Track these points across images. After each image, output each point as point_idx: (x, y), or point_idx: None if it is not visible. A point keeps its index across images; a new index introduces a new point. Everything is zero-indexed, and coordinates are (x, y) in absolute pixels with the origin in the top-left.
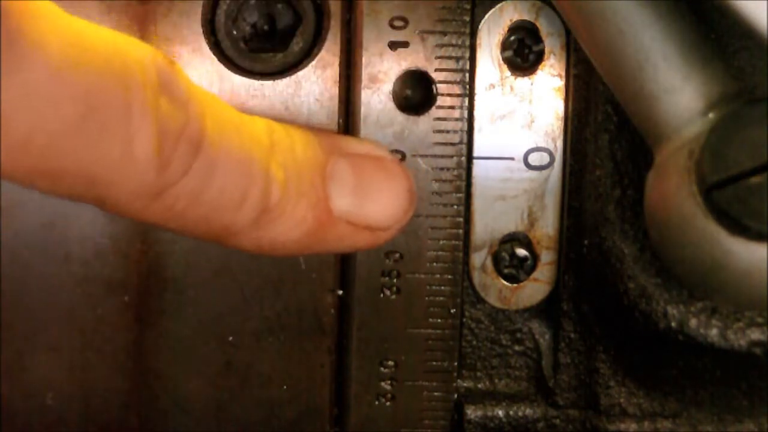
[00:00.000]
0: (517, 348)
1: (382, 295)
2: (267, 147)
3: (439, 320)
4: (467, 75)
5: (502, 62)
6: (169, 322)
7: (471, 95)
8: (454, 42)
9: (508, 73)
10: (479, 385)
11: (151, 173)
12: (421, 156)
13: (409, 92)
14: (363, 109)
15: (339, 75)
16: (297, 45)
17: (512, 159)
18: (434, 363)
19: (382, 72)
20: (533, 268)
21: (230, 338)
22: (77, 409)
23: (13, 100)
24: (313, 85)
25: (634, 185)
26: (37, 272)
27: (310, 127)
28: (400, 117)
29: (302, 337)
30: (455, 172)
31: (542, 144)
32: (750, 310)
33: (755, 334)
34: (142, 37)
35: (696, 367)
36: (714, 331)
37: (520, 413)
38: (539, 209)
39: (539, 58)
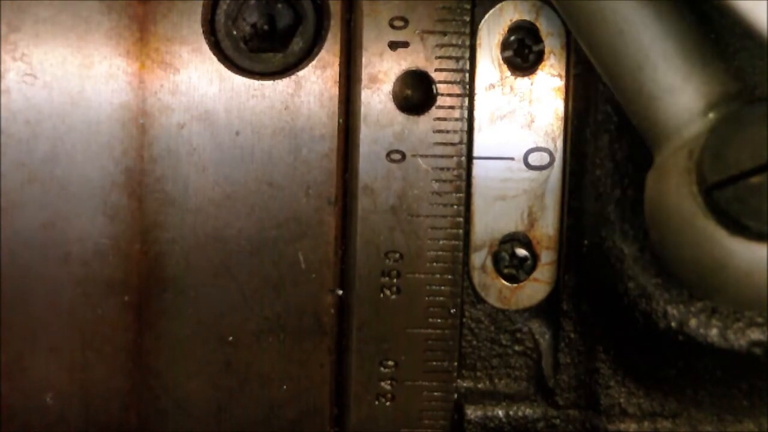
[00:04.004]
0: (517, 348)
1: (382, 295)
2: None
3: (439, 320)
4: (467, 75)
5: (502, 62)
6: (169, 322)
7: (471, 95)
8: (454, 42)
9: (508, 73)
10: (479, 385)
11: None
12: (421, 156)
13: (409, 92)
14: (363, 109)
15: (339, 75)
16: (297, 45)
17: (512, 159)
18: (434, 363)
19: (382, 72)
20: (533, 268)
21: (230, 338)
22: (77, 409)
23: None
24: (313, 85)
25: (634, 185)
26: (37, 272)
27: None
28: (400, 117)
29: (302, 337)
30: (455, 172)
31: (542, 144)
32: (750, 310)
33: (755, 334)
34: (142, 38)
35: (696, 367)
36: (714, 331)
37: (520, 413)
38: (539, 209)
39: (539, 58)
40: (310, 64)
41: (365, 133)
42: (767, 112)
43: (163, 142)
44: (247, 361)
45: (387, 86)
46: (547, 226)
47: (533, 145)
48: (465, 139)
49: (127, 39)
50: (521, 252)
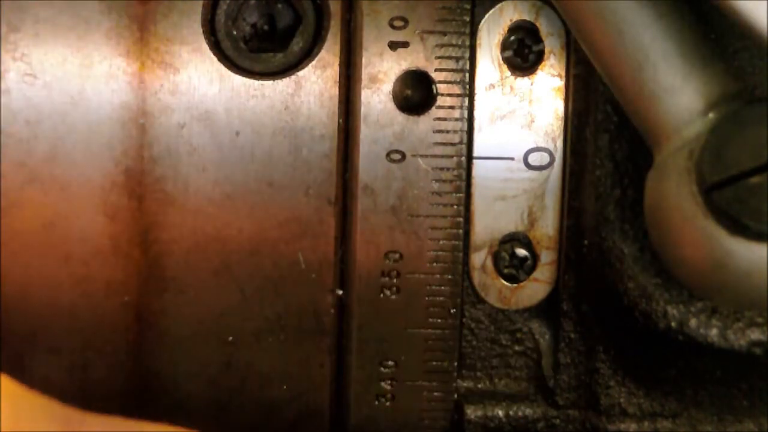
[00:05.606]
0: (517, 348)
1: (382, 295)
2: None
3: (439, 320)
4: (467, 75)
5: (502, 62)
6: (169, 322)
7: (471, 95)
8: (454, 42)
9: (508, 73)
10: (479, 385)
11: None
12: (421, 156)
13: (409, 92)
14: (363, 109)
15: (339, 75)
16: (297, 45)
17: (512, 159)
18: (434, 363)
19: (382, 72)
20: (533, 268)
21: (230, 338)
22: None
23: None
24: (313, 85)
25: (634, 185)
26: (37, 272)
27: None
28: (400, 117)
29: (302, 337)
30: (455, 172)
31: (542, 144)
32: (750, 310)
33: (755, 334)
34: (142, 38)
35: (696, 367)
36: (714, 331)
37: (520, 413)
38: (539, 209)
39: (539, 58)
40: (310, 64)
41: (365, 133)
42: (767, 112)
43: (163, 142)
44: (247, 361)
45: (387, 86)
46: (547, 226)
47: (533, 145)
48: (465, 139)
49: (127, 39)
50: (521, 252)
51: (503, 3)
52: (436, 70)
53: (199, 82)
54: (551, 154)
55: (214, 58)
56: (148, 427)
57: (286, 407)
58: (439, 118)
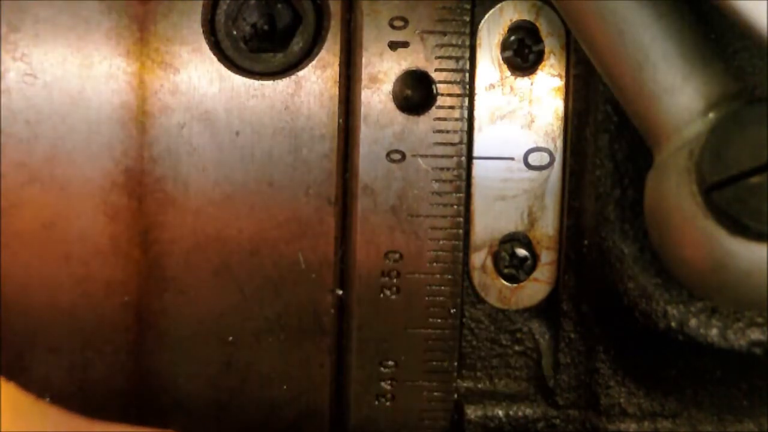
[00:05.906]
0: (517, 348)
1: (382, 295)
2: None
3: (439, 320)
4: (467, 75)
5: (502, 62)
6: (169, 322)
7: (471, 95)
8: (454, 42)
9: (508, 73)
10: (479, 385)
11: None
12: (421, 156)
13: (409, 92)
14: (363, 109)
15: (339, 75)
16: (297, 45)
17: (512, 159)
18: (434, 363)
19: (382, 72)
20: (533, 268)
21: (230, 338)
22: (77, 409)
23: None
24: (313, 85)
25: (634, 185)
26: (37, 272)
27: None
28: (400, 117)
29: (302, 337)
30: (455, 172)
31: (542, 144)
32: (750, 310)
33: (755, 334)
34: (142, 38)
35: (696, 367)
36: (714, 331)
37: (520, 413)
38: (539, 209)
39: (539, 58)
40: (310, 64)
41: (365, 133)
42: (767, 112)
43: (163, 142)
44: (247, 361)
45: (387, 86)
46: (547, 226)
47: (533, 145)
48: (465, 139)
49: (127, 39)
50: (521, 252)
51: (503, 3)
52: (436, 70)
53: (199, 82)
54: (551, 154)
55: (214, 58)
56: None
57: (286, 407)
58: (439, 118)
